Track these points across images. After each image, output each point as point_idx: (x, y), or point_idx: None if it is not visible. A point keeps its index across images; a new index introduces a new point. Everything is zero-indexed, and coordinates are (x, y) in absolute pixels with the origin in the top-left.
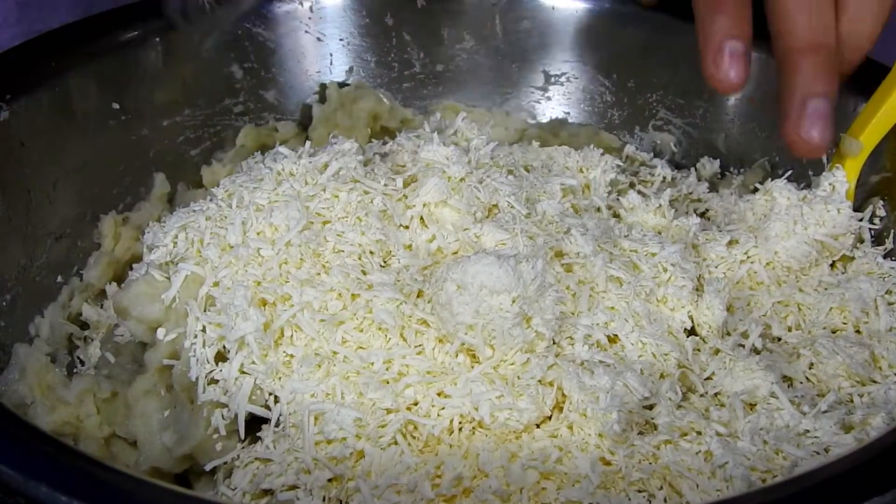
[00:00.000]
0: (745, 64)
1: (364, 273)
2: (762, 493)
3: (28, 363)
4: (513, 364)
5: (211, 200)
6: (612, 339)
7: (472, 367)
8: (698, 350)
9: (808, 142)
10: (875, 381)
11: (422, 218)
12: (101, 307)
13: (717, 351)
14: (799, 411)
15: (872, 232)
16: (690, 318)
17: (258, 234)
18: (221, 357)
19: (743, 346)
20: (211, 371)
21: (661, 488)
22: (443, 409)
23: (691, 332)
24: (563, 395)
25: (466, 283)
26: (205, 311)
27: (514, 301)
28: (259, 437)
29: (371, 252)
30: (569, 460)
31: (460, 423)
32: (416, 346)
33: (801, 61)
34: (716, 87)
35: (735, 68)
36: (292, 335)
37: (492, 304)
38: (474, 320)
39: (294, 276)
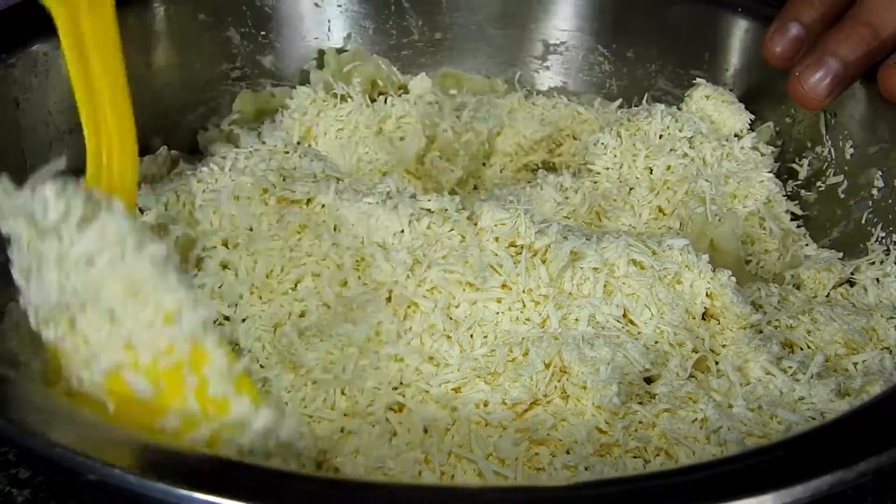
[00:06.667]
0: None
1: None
2: (754, 453)
3: (22, 321)
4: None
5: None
6: (628, 323)
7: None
8: (716, 336)
9: (803, 87)
10: (869, 349)
11: None
12: None
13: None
14: (793, 379)
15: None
16: (710, 296)
17: None
18: None
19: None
20: None
21: (658, 455)
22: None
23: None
24: (562, 370)
25: None
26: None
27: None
28: None
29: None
30: (563, 428)
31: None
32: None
33: (844, 27)
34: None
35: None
36: None
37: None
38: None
39: None
